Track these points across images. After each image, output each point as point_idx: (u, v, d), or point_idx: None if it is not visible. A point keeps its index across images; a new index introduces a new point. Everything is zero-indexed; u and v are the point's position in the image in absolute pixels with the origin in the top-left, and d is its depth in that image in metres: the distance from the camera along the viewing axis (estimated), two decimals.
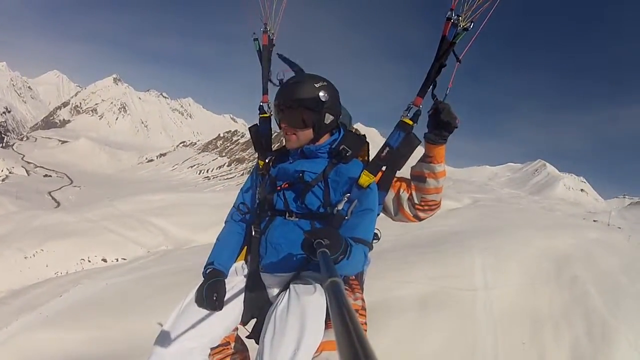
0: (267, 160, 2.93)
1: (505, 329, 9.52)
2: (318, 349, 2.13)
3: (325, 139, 2.74)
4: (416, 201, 2.86)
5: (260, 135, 3.04)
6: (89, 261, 26.53)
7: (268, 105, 3.06)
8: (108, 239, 28.93)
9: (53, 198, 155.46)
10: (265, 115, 3.06)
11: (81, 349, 9.74)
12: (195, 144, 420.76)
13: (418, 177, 2.83)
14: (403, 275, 11.37)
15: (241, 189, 3.06)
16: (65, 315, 11.86)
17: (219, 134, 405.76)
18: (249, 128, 3.15)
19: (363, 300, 2.71)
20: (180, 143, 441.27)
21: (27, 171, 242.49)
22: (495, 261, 12.81)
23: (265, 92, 3.10)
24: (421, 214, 2.92)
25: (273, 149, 3.04)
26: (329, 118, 2.64)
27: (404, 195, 2.91)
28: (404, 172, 2.97)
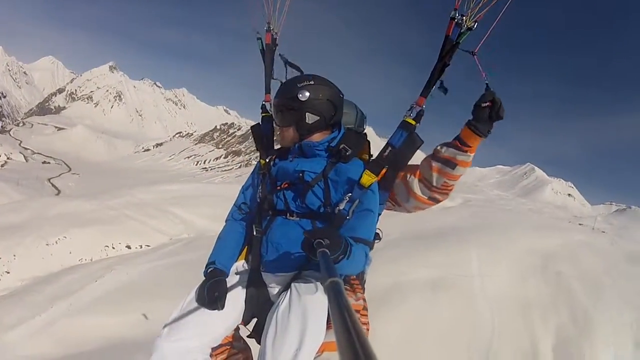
0: (267, 160, 2.90)
1: (500, 309, 10.86)
2: (319, 349, 2.16)
3: (321, 136, 2.75)
4: (435, 183, 2.79)
5: (262, 134, 3.06)
6: (114, 248, 26.71)
7: (270, 104, 3.05)
8: (130, 226, 29.01)
9: (53, 185, 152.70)
10: (267, 114, 3.10)
11: (122, 332, 10.14)
12: (192, 134, 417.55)
13: (448, 162, 2.72)
14: (414, 261, 12.52)
15: (242, 188, 3.04)
16: (104, 301, 12.35)
17: (216, 126, 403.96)
18: (251, 127, 3.13)
19: (364, 300, 2.72)
20: (177, 133, 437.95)
21: (25, 157, 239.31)
22: (488, 254, 14.16)
23: (267, 91, 3.15)
24: (438, 196, 2.87)
25: (274, 148, 3.05)
26: (311, 118, 2.65)
27: (412, 179, 2.87)
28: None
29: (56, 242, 26.29)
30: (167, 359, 2.26)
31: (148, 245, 26.68)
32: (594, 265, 15.49)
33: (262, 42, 3.18)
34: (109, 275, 15.47)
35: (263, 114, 3.11)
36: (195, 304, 2.47)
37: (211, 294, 2.42)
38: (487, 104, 2.50)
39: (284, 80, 3.05)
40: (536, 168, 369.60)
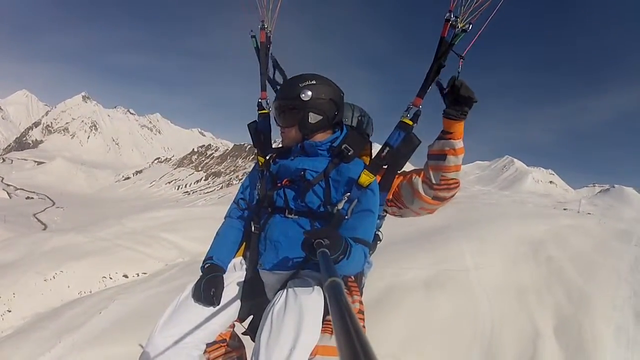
0: (267, 157, 2.87)
1: (497, 299, 11.06)
2: (312, 352, 2.12)
3: (324, 136, 2.71)
4: (434, 181, 2.81)
5: (259, 131, 3.02)
6: (111, 278, 26.33)
7: (267, 101, 3.04)
8: (125, 255, 28.67)
9: (39, 220, 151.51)
10: (264, 111, 3.03)
11: None
12: (170, 159, 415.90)
13: (437, 156, 2.79)
14: (406, 263, 12.69)
15: (241, 185, 3.03)
16: (111, 331, 12.16)
17: (193, 149, 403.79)
18: (248, 125, 3.07)
19: (361, 303, 2.69)
20: (155, 159, 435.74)
21: (8, 194, 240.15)
22: (479, 247, 14.47)
23: (263, 88, 3.08)
24: (441, 194, 2.85)
25: (274, 147, 3.00)
26: (314, 117, 2.62)
27: (417, 180, 2.88)
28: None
29: (54, 277, 25.87)
30: (161, 354, 2.25)
31: (145, 273, 26.48)
32: (584, 246, 16.05)
33: (256, 40, 3.14)
34: (112, 305, 15.22)
35: (260, 112, 3.04)
36: (191, 299, 2.45)
37: (207, 290, 2.42)
38: (448, 89, 2.61)
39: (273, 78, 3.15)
40: (515, 160, 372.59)
